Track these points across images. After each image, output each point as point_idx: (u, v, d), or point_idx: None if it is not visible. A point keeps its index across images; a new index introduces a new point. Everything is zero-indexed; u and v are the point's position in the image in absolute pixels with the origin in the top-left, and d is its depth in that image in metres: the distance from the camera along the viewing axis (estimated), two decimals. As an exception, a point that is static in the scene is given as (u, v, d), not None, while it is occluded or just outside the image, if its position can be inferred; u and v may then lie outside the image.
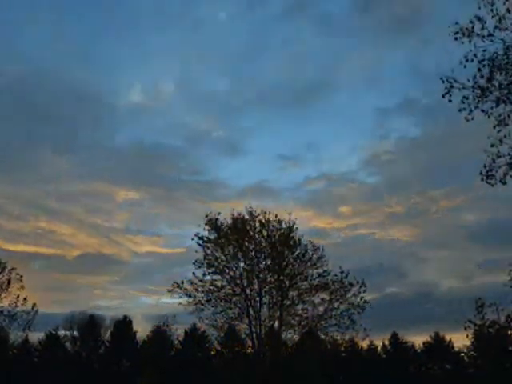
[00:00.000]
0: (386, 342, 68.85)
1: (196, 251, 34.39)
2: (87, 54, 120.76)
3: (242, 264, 34.43)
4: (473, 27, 13.54)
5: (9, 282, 34.52)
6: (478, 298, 32.83)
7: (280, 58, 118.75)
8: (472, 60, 13.65)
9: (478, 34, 13.57)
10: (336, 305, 33.35)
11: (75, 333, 61.30)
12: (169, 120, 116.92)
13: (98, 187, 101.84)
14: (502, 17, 13.35)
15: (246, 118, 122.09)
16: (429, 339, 67.41)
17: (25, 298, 34.45)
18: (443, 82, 13.89)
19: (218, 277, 34.39)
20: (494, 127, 13.96)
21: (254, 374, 34.74)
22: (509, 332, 34.76)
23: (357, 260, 77.90)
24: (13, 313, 34.18)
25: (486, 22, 13.47)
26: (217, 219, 34.67)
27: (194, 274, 34.07)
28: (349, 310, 33.16)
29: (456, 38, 13.74)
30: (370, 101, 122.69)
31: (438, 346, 65.89)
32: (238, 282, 34.17)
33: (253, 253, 34.36)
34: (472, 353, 47.35)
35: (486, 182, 14.15)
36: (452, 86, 13.86)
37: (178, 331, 59.17)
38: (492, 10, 13.35)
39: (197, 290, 34.00)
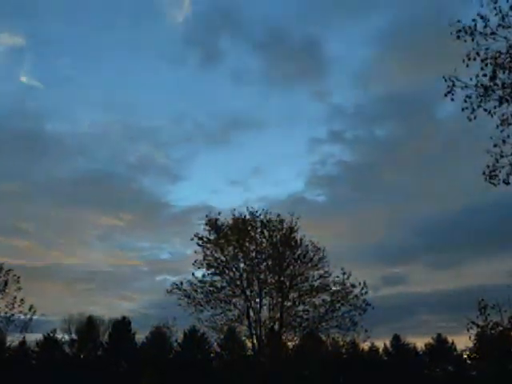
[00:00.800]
0: (388, 344, 68.67)
1: (195, 252, 34.12)
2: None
3: (242, 265, 34.12)
4: (475, 25, 13.44)
5: (6, 283, 34.14)
6: (480, 299, 32.42)
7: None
8: (474, 59, 13.58)
9: (480, 33, 13.48)
10: (337, 306, 33.00)
11: (73, 334, 61.00)
12: (113, 149, 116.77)
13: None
14: (505, 15, 13.31)
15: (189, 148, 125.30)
16: (431, 341, 67.24)
17: (22, 300, 34.09)
18: (445, 80, 13.83)
19: (218, 278, 34.08)
20: (497, 127, 13.89)
21: (254, 375, 34.45)
22: (512, 334, 34.50)
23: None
24: (10, 314, 33.82)
25: (488, 21, 13.36)
26: (217, 219, 34.38)
27: (193, 274, 33.81)
28: (350, 311, 32.84)
29: (458, 37, 13.65)
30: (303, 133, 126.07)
31: (440, 348, 65.64)
32: (238, 282, 33.81)
33: (253, 253, 34.04)
34: (474, 355, 46.95)
35: (489, 183, 14.10)
36: (454, 85, 13.78)
37: (178, 333, 58.94)
38: (495, 8, 13.26)
39: (196, 291, 33.65)
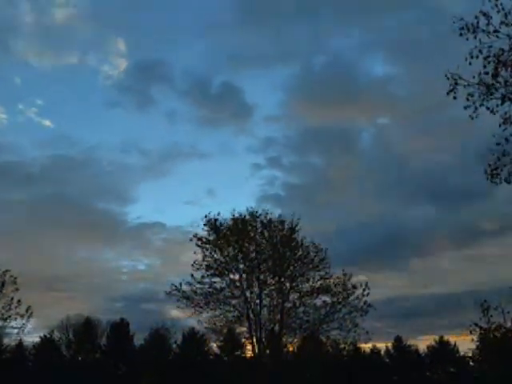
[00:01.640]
0: (390, 346, 68.40)
1: (194, 252, 33.73)
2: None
3: (241, 266, 33.71)
4: (478, 23, 13.24)
5: (3, 284, 33.71)
6: (483, 301, 32.16)
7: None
8: (477, 56, 13.36)
9: (483, 30, 13.28)
10: (338, 308, 32.66)
11: (71, 336, 60.52)
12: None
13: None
14: (508, 12, 13.10)
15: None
16: (433, 343, 67.02)
17: (19, 301, 33.67)
18: (448, 78, 13.66)
19: (217, 279, 33.69)
20: (500, 125, 13.69)
21: (254, 378, 34.10)
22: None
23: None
24: (6, 316, 33.39)
25: (491, 18, 13.16)
26: (216, 219, 34.00)
27: (192, 276, 33.40)
28: (351, 312, 32.47)
29: (461, 34, 13.47)
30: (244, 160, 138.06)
31: (443, 350, 65.34)
32: (238, 284, 33.46)
33: (253, 254, 33.68)
34: (477, 357, 46.66)
35: (491, 182, 13.95)
36: (457, 83, 13.59)
37: (177, 334, 58.66)
38: (497, 5, 13.06)
39: (195, 292, 33.29)
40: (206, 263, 33.43)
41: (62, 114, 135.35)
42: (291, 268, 33.52)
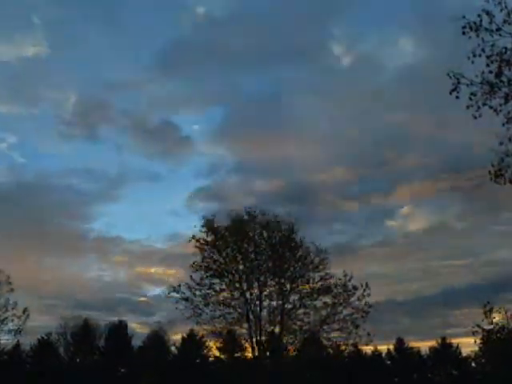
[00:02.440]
0: (391, 348, 68.03)
1: (193, 254, 33.38)
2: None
3: (241, 267, 33.47)
4: (481, 21, 12.95)
5: (-3, 284, 33.44)
6: (486, 302, 31.79)
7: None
8: (480, 55, 13.08)
9: (486, 29, 12.98)
10: (339, 309, 32.35)
11: (68, 337, 60.10)
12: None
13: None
14: (511, 11, 12.76)
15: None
16: (435, 344, 66.65)
17: (15, 302, 33.40)
18: (450, 77, 13.37)
19: (217, 280, 33.37)
20: (503, 125, 13.40)
21: (254, 380, 33.77)
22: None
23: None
24: (3, 317, 33.12)
25: (494, 16, 12.88)
26: (214, 220, 33.65)
27: (191, 277, 33.08)
28: (352, 314, 32.12)
29: (464, 33, 13.17)
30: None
31: (445, 352, 64.98)
32: (238, 285, 33.17)
33: (252, 255, 33.44)
34: (480, 359, 46.28)
35: (495, 182, 13.60)
36: (459, 82, 13.30)
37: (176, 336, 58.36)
38: (500, 4, 12.77)
39: (194, 293, 33.00)
40: (204, 264, 33.17)
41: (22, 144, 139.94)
42: (291, 269, 33.26)
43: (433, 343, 67.54)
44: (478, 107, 13.44)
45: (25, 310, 34.25)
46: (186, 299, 32.92)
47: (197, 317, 33.06)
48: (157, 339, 61.10)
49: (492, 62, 13.10)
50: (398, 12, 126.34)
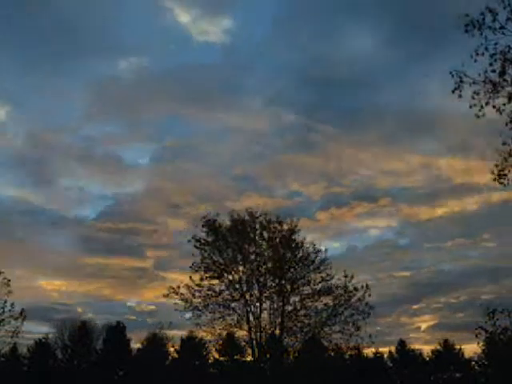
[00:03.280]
0: (393, 350, 67.79)
1: (193, 254, 33.11)
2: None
3: (241, 268, 33.26)
4: (484, 19, 12.76)
5: (-5, 285, 32.97)
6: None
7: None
8: (483, 54, 13.17)
9: (489, 27, 12.96)
10: (340, 310, 32.07)
11: (66, 340, 59.76)
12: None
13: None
14: None
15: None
16: (438, 347, 66.39)
17: (12, 304, 32.96)
18: (453, 76, 13.26)
19: (217, 281, 33.17)
20: (506, 124, 13.23)
21: (254, 382, 33.48)
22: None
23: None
24: (0, 319, 32.66)
25: (497, 14, 12.72)
26: (215, 220, 33.39)
27: (190, 278, 32.82)
28: (353, 315, 31.83)
29: (467, 31, 13.02)
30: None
31: (447, 354, 64.68)
32: (238, 286, 32.94)
33: (253, 256, 33.22)
34: (483, 361, 46.01)
35: (498, 182, 13.45)
36: (462, 81, 13.19)
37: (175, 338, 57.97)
38: (503, 2, 12.65)
39: (194, 295, 32.74)
40: (204, 265, 32.93)
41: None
42: (292, 270, 33.07)
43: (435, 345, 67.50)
44: (481, 106, 13.33)
45: (22, 312, 33.82)
46: (186, 300, 32.68)
47: (196, 318, 32.87)
48: (156, 341, 60.74)
49: (495, 61, 12.97)
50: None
